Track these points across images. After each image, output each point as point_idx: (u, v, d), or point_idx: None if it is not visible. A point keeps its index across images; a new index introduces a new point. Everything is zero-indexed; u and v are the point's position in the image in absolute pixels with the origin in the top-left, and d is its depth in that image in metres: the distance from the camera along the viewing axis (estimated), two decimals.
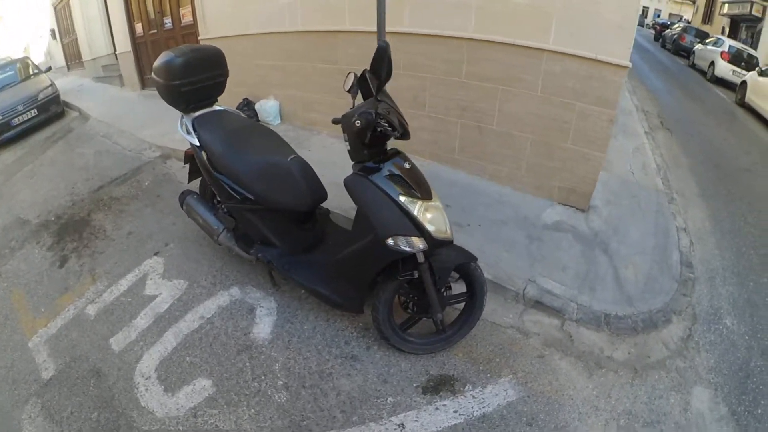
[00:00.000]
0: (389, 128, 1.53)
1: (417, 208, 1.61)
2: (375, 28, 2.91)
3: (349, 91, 1.81)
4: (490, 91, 2.78)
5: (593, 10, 2.24)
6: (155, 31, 5.26)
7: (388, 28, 2.92)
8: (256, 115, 4.02)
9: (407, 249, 1.61)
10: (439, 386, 1.90)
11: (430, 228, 1.61)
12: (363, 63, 3.41)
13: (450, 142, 3.11)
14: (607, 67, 2.35)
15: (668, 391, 2.04)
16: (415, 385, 1.89)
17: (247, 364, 1.97)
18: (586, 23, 2.29)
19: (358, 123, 1.55)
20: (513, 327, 2.24)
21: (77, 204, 3.37)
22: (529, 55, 2.53)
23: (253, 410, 1.77)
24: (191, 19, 4.47)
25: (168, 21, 4.92)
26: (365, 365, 1.94)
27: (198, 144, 2.14)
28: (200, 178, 2.47)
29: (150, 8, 5.17)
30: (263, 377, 1.91)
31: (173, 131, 4.03)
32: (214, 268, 2.54)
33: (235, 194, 2.06)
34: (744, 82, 8.05)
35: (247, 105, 4.05)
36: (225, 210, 2.26)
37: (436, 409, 1.81)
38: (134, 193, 3.44)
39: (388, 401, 1.81)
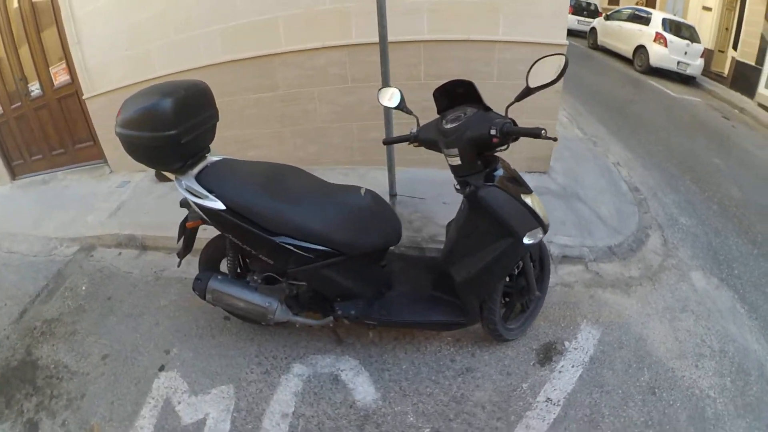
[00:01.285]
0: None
1: (531, 201, 1.75)
2: (316, 45, 2.93)
3: (398, 108, 1.86)
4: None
5: (533, 1, 2.71)
6: (19, 103, 4.05)
7: (336, 42, 2.96)
8: None
9: (536, 241, 1.75)
10: (548, 354, 2.13)
11: (542, 216, 1.78)
12: (309, 84, 3.34)
13: (409, 147, 3.33)
14: (549, 47, 2.86)
15: (678, 283, 2.70)
16: (531, 363, 2.07)
17: None
18: (528, 13, 2.75)
19: (494, 132, 1.51)
20: (558, 284, 2.59)
21: (3, 344, 2.50)
22: (483, 48, 2.89)
23: None
24: (68, 77, 3.62)
25: (35, 87, 3.85)
26: (483, 370, 2.03)
27: (224, 207, 1.68)
28: (203, 253, 2.07)
29: (7, 76, 3.98)
30: None
31: (83, 215, 3.32)
32: (252, 354, 2.11)
33: (305, 253, 1.74)
34: (593, 29, 10.25)
35: None
36: (278, 277, 1.93)
37: (560, 372, 2.04)
38: (74, 305, 2.68)
39: (524, 388, 1.96)
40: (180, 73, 3.20)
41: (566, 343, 2.18)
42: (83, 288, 2.77)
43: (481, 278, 1.77)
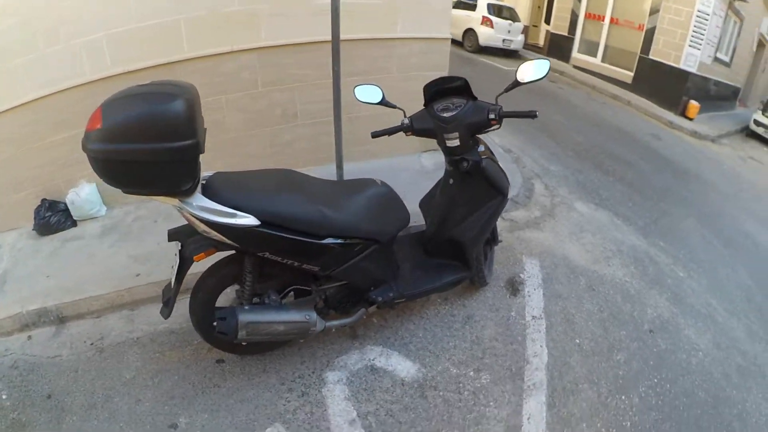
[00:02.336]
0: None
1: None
2: (225, 49, 2.90)
3: (382, 103, 2.10)
4: (360, 82, 3.39)
5: (425, 2, 3.18)
6: None
7: (245, 46, 2.95)
8: (69, 217, 2.97)
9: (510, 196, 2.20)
10: (514, 286, 2.68)
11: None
12: (218, 92, 3.26)
13: (330, 141, 3.51)
14: (438, 41, 3.41)
15: (568, 213, 3.67)
16: (507, 296, 2.59)
17: (436, 396, 1.96)
18: (420, 12, 3.21)
19: (493, 117, 1.89)
20: None
21: None
22: (385, 45, 3.25)
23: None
24: None
25: None
26: (480, 314, 2.43)
27: (258, 222, 1.53)
28: (199, 291, 1.80)
29: None
30: (463, 379, 2.04)
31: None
32: (276, 384, 1.94)
33: (348, 250, 1.78)
34: None
35: (51, 207, 2.90)
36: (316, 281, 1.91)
37: (529, 296, 2.62)
38: (4, 424, 1.98)
39: (513, 315, 2.45)
40: (57, 95, 2.69)
41: (521, 275, 2.77)
42: (3, 397, 2.02)
43: (483, 234, 2.17)
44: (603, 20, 9.84)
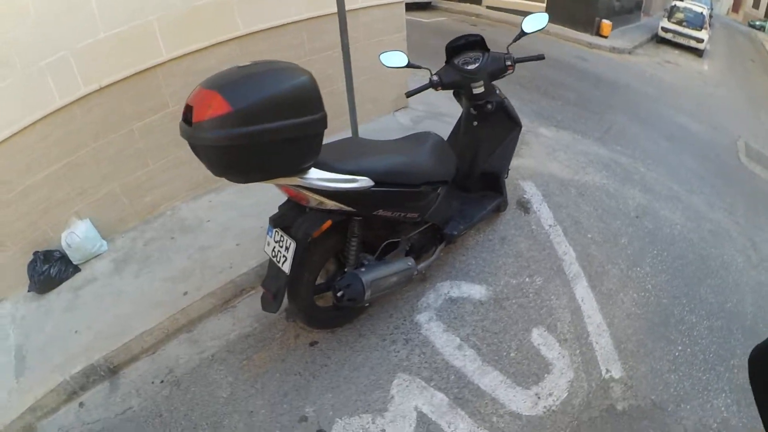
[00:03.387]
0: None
1: None
2: (203, 44, 2.82)
3: (409, 66, 2.26)
4: (331, 58, 3.44)
5: None
6: None
7: (224, 37, 2.91)
8: (69, 263, 2.47)
9: None
10: (524, 206, 3.09)
11: None
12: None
13: None
14: (394, 5, 3.58)
15: (532, 138, 4.09)
16: (522, 215, 2.98)
17: (512, 304, 2.31)
18: None
19: (510, 63, 2.19)
20: None
21: None
22: (350, 17, 3.34)
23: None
24: None
25: None
26: (508, 233, 2.79)
27: (373, 183, 1.65)
28: (303, 277, 1.80)
29: None
30: (524, 285, 2.42)
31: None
32: (387, 344, 2.06)
33: (434, 192, 2.03)
34: None
35: (47, 259, 2.39)
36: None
37: (538, 211, 3.04)
38: None
39: (533, 227, 2.87)
40: (21, 133, 2.49)
41: (525, 196, 3.18)
42: None
43: (508, 162, 2.57)
44: None
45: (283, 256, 1.64)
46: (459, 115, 2.57)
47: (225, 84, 1.28)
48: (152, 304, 2.18)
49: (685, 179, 3.94)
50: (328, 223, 1.66)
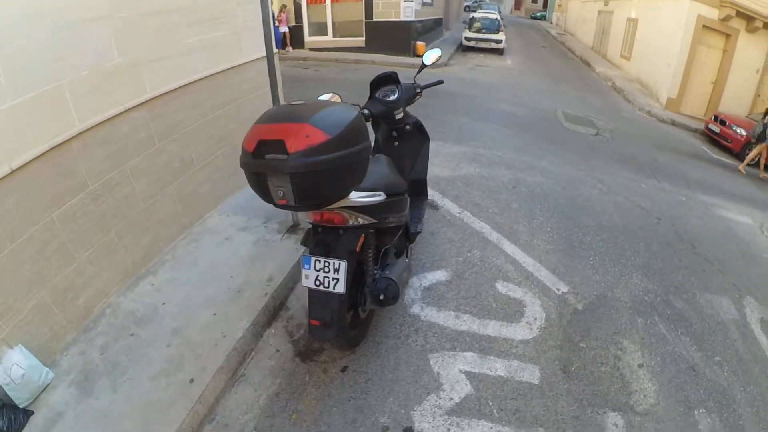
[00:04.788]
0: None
1: None
2: (117, 110, 2.66)
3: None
4: (231, 112, 3.60)
5: (253, 26, 3.61)
6: None
7: (135, 101, 2.81)
8: (16, 408, 1.97)
9: None
10: (433, 205, 3.70)
11: None
12: (120, 162, 2.83)
13: (221, 174, 3.72)
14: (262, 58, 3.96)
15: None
16: (435, 212, 3.60)
17: (468, 279, 2.86)
18: (252, 33, 3.62)
19: (419, 90, 2.67)
20: None
21: None
22: (240, 71, 3.54)
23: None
24: None
25: None
26: (435, 229, 3.38)
27: (385, 195, 2.03)
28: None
29: None
30: (472, 258, 2.97)
31: None
32: (403, 335, 2.33)
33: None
34: None
35: None
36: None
37: (443, 205, 3.70)
38: None
39: (449, 219, 3.51)
40: None
41: (428, 198, 3.84)
42: None
43: (427, 168, 3.05)
44: (325, 2, 11.66)
45: (333, 279, 1.75)
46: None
47: (310, 116, 1.51)
48: (158, 409, 1.92)
49: (531, 151, 5.30)
50: (362, 237, 1.90)
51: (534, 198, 3.96)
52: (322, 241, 1.84)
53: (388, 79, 2.70)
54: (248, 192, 3.45)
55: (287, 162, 1.44)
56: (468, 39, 14.11)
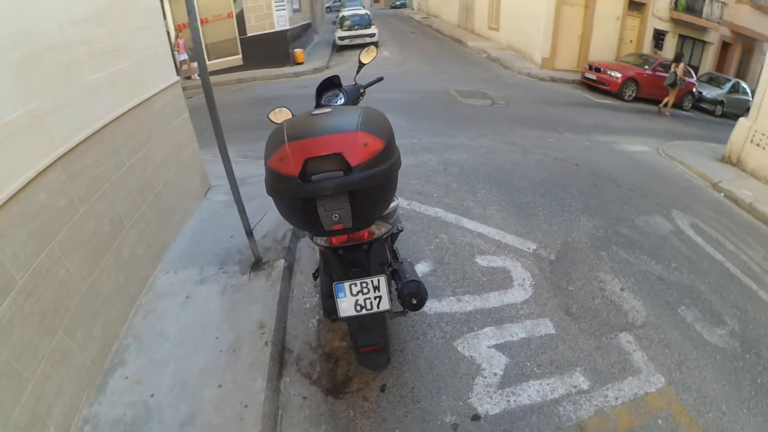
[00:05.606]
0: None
1: None
2: (28, 175, 2.25)
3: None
4: (148, 154, 3.21)
5: (155, 54, 3.29)
6: None
7: (45, 162, 2.38)
8: None
9: None
10: None
11: None
12: (45, 241, 2.32)
13: (151, 228, 3.29)
14: (174, 86, 3.58)
15: None
16: None
17: None
18: (156, 62, 3.31)
19: (363, 90, 2.60)
20: None
21: None
22: (150, 105, 3.16)
23: None
24: None
25: None
26: None
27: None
28: None
29: None
30: None
31: None
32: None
33: None
34: None
35: None
36: None
37: None
38: None
39: (401, 213, 3.60)
40: None
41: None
42: None
43: None
44: (204, 23, 10.82)
45: (375, 297, 1.65)
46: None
47: (358, 122, 1.36)
48: None
49: (443, 131, 5.65)
50: (387, 246, 1.82)
51: (467, 174, 4.23)
52: (351, 262, 1.70)
53: (331, 83, 2.65)
54: (184, 240, 3.27)
55: (350, 178, 1.28)
56: (342, 38, 14.37)
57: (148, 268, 3.02)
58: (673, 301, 2.61)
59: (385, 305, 1.65)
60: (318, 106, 2.59)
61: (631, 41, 12.48)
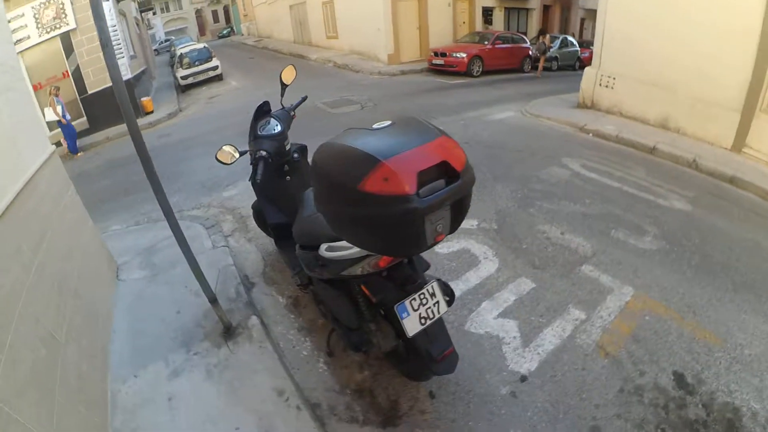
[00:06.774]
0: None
1: None
2: None
3: (244, 153, 2.41)
4: (52, 248, 2.65)
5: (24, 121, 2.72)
6: None
7: None
8: None
9: None
10: None
11: None
12: None
13: (83, 334, 2.88)
14: (51, 159, 3.00)
15: None
16: None
17: None
18: (26, 137, 2.76)
19: (293, 113, 2.71)
20: None
21: None
22: (32, 187, 2.64)
23: None
24: None
25: None
26: None
27: None
28: None
29: None
30: None
31: None
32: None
33: None
34: None
35: None
36: None
37: None
38: None
39: None
40: None
41: None
42: None
43: None
44: (37, 89, 8.72)
45: (434, 303, 1.68)
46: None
47: (436, 128, 1.36)
48: None
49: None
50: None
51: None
52: (402, 279, 1.69)
53: (261, 112, 2.62)
54: (121, 336, 2.83)
55: (461, 184, 1.27)
56: (185, 77, 13.52)
57: (101, 385, 2.60)
58: (604, 228, 3.24)
59: (443, 308, 1.70)
60: (256, 138, 2.53)
61: (464, 22, 14.26)
